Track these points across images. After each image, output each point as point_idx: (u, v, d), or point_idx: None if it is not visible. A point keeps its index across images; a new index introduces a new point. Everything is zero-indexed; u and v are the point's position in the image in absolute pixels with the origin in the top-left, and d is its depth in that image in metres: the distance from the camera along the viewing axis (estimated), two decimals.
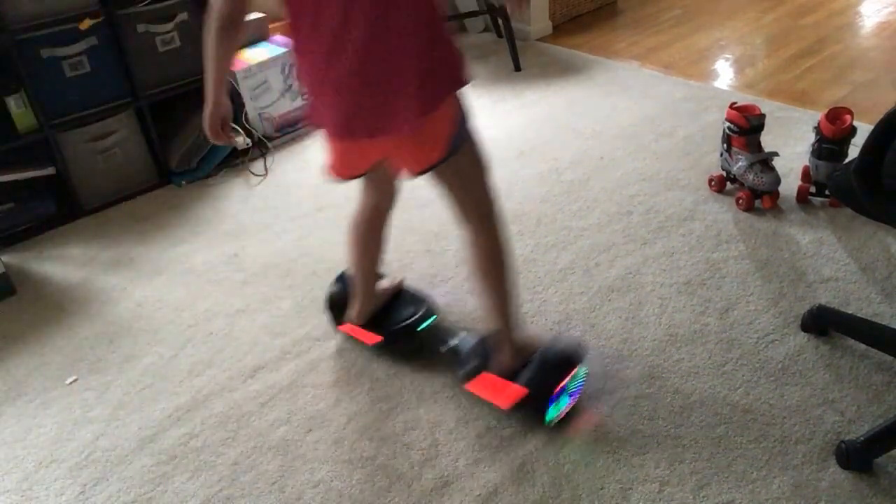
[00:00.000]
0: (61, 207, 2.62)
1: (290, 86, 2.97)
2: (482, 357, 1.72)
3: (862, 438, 1.51)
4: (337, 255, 2.31)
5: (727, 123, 2.34)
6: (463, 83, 1.42)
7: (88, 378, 1.93)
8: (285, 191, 2.69)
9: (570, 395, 1.66)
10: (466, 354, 1.77)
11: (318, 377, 1.86)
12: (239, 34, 1.43)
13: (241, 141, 2.81)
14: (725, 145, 2.38)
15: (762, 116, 2.30)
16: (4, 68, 2.41)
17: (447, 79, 1.40)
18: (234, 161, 2.87)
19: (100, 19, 2.48)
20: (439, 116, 1.40)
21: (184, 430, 1.75)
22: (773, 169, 2.30)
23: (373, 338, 1.86)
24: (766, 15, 3.86)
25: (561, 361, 1.65)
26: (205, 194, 2.72)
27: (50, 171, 2.54)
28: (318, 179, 2.74)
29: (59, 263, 2.41)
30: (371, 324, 1.89)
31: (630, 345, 1.87)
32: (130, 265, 2.37)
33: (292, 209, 2.57)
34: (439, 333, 1.90)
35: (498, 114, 3.08)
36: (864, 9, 3.83)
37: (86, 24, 2.45)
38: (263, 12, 3.08)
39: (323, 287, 2.17)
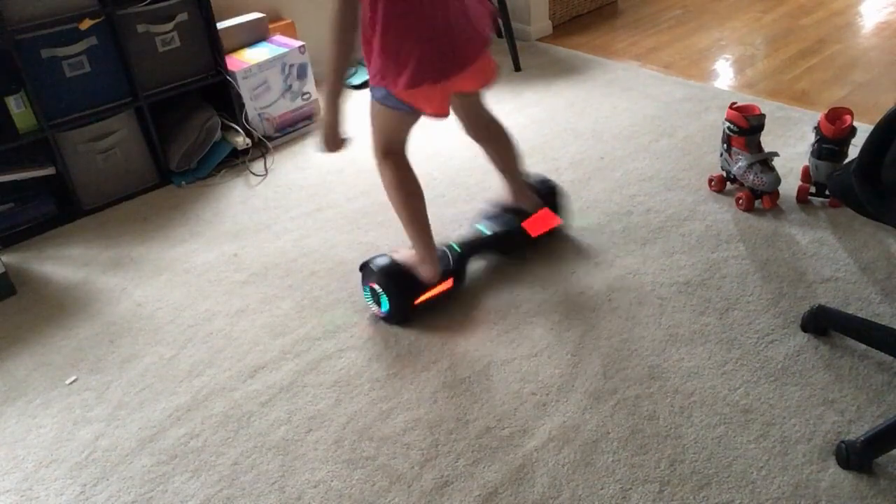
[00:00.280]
0: (61, 207, 2.62)
1: (290, 86, 2.97)
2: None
3: (862, 438, 1.51)
4: (337, 255, 2.31)
5: (727, 123, 2.34)
6: (495, 30, 1.92)
7: (88, 378, 1.93)
8: (285, 191, 2.69)
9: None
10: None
11: (318, 377, 1.86)
12: (353, 37, 1.67)
13: (241, 141, 2.82)
14: (725, 145, 2.38)
15: (762, 116, 2.30)
16: (4, 68, 2.41)
17: (489, 24, 1.84)
18: (234, 161, 2.87)
19: (100, 19, 2.48)
20: (488, 51, 1.83)
21: (184, 430, 1.75)
22: (773, 169, 2.30)
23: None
24: (766, 15, 3.86)
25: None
26: (205, 194, 2.72)
27: (50, 171, 2.54)
28: (319, 179, 2.74)
29: (59, 263, 2.41)
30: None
31: (630, 345, 1.87)
32: (130, 265, 2.37)
33: (292, 209, 2.57)
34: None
35: (498, 114, 3.07)
36: (864, 9, 3.83)
37: (86, 24, 2.45)
38: (263, 12, 3.08)
39: (323, 287, 2.17)
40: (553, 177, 2.59)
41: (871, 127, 1.40)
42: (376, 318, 2.02)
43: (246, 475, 1.62)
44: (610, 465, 1.57)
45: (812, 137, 2.30)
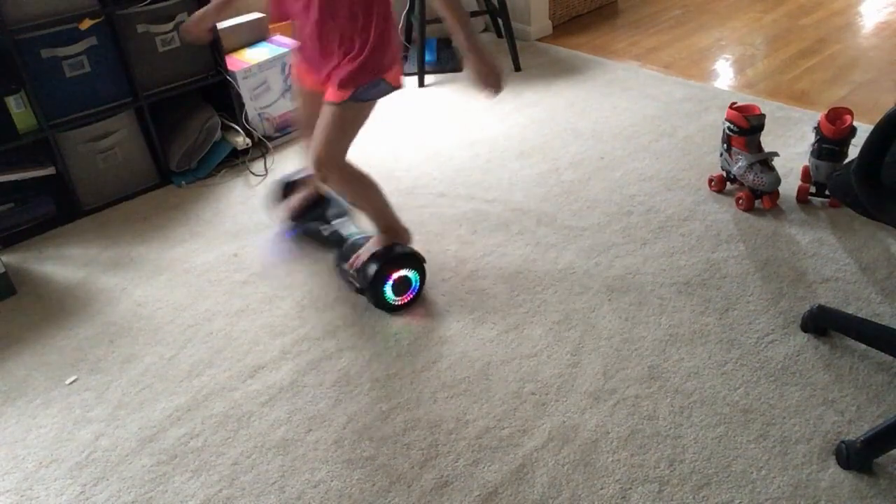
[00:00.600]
0: (61, 207, 2.62)
1: (291, 86, 2.97)
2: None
3: (862, 438, 1.51)
4: None
5: (727, 123, 2.34)
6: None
7: (88, 378, 1.93)
8: None
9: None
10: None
11: (318, 377, 1.86)
12: None
13: (241, 141, 2.82)
14: (725, 145, 2.38)
15: (762, 116, 2.30)
16: (4, 68, 2.41)
17: None
18: (234, 161, 2.87)
19: (100, 19, 2.48)
20: None
21: (184, 430, 1.75)
22: (773, 169, 2.30)
23: None
24: (766, 15, 3.86)
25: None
26: (205, 194, 2.72)
27: (50, 171, 2.54)
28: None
29: (59, 263, 2.41)
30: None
31: (630, 345, 1.87)
32: (130, 265, 2.37)
33: None
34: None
35: (498, 114, 3.08)
36: (864, 9, 3.83)
37: (86, 24, 2.45)
38: (263, 12, 3.08)
39: (323, 287, 2.17)
40: (553, 177, 2.60)
41: (871, 127, 1.40)
42: (376, 317, 2.02)
43: (246, 475, 1.62)
44: (609, 464, 1.57)
45: (812, 137, 2.30)
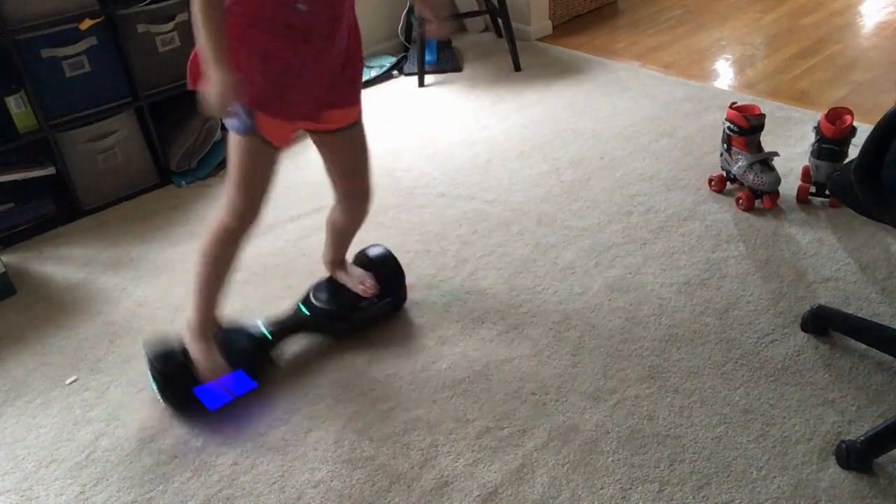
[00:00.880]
0: (61, 207, 2.62)
1: None
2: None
3: (862, 438, 1.51)
4: None
5: (727, 123, 2.34)
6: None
7: (88, 378, 1.93)
8: (285, 191, 2.68)
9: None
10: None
11: (318, 377, 1.86)
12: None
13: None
14: (725, 145, 2.38)
15: (762, 116, 2.30)
16: (4, 68, 2.41)
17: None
18: None
19: (100, 19, 2.48)
20: None
21: (184, 430, 1.75)
22: (773, 169, 2.30)
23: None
24: (766, 15, 3.86)
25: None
26: (205, 194, 2.72)
27: (50, 171, 2.54)
28: (319, 179, 2.73)
29: (59, 263, 2.41)
30: None
31: (630, 345, 1.87)
32: (130, 265, 2.37)
33: (292, 209, 2.57)
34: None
35: (498, 114, 3.08)
36: (864, 9, 3.83)
37: (86, 24, 2.45)
38: None
39: None
40: (553, 177, 2.60)
41: (871, 127, 1.40)
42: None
43: (246, 475, 1.62)
44: (609, 464, 1.57)
45: (812, 137, 2.30)
